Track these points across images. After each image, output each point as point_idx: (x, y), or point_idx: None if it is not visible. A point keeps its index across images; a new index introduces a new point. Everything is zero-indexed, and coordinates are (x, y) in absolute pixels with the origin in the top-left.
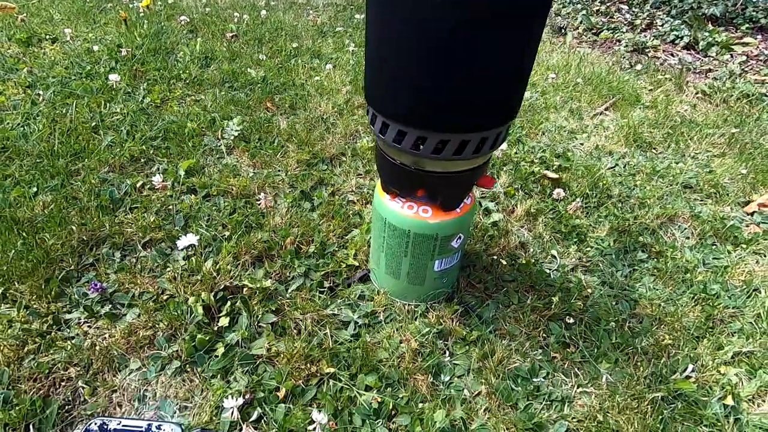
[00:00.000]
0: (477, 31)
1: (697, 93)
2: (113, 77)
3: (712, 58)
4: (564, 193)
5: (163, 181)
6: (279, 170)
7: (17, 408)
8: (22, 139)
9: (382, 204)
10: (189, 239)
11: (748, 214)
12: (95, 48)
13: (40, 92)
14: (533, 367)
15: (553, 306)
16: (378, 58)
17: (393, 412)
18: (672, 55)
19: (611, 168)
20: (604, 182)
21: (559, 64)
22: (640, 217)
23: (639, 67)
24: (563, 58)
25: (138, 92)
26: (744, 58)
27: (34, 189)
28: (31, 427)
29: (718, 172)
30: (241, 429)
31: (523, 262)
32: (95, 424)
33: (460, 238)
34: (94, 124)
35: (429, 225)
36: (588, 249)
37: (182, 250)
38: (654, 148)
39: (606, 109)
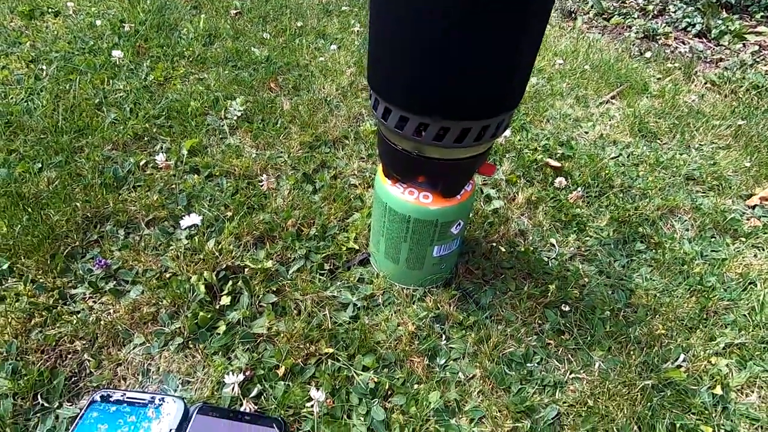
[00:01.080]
0: (470, 31)
1: (706, 83)
2: (116, 53)
3: (723, 47)
4: (566, 181)
5: (166, 160)
6: (281, 152)
7: (25, 378)
8: (26, 115)
9: (383, 189)
10: (192, 219)
11: (749, 207)
12: (98, 23)
13: (43, 67)
14: (527, 352)
15: (549, 294)
16: (374, 56)
17: (389, 392)
18: (683, 43)
19: (615, 158)
20: (607, 172)
21: (567, 50)
22: (641, 208)
23: (649, 54)
24: (572, 44)
25: (141, 69)
26: (756, 47)
27: (39, 165)
28: (39, 396)
29: (722, 165)
30: (241, 404)
31: (522, 249)
32: (101, 395)
33: (459, 224)
34: (97, 100)
35: (429, 211)
36: (587, 238)
37: (185, 229)
38: (659, 139)
39: (613, 97)
